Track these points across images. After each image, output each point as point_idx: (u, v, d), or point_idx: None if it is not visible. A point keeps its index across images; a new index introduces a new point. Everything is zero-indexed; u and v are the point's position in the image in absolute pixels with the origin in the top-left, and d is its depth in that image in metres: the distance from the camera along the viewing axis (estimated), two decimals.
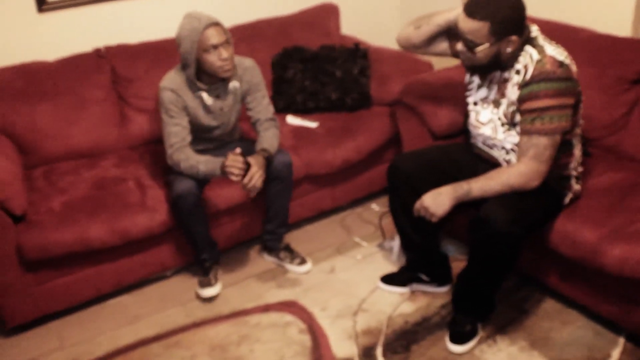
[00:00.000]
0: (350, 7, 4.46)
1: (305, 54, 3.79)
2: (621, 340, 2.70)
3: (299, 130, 3.58)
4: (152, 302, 3.14)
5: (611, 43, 3.14)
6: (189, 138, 2.96)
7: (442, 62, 3.98)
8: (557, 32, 3.31)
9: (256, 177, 2.80)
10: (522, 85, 2.47)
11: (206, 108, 3.01)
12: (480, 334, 2.79)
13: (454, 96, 3.23)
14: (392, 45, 4.65)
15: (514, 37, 2.44)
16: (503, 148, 2.67)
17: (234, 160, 2.79)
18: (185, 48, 2.85)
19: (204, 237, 3.09)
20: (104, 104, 3.47)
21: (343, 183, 3.64)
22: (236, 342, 2.84)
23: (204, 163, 2.87)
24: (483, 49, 2.45)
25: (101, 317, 3.06)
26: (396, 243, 3.34)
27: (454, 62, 4.10)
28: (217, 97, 3.02)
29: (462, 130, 3.00)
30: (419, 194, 2.62)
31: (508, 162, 2.67)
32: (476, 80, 2.75)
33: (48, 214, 2.89)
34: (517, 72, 2.51)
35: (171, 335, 2.91)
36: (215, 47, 2.83)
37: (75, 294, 3.03)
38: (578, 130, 2.62)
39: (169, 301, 3.13)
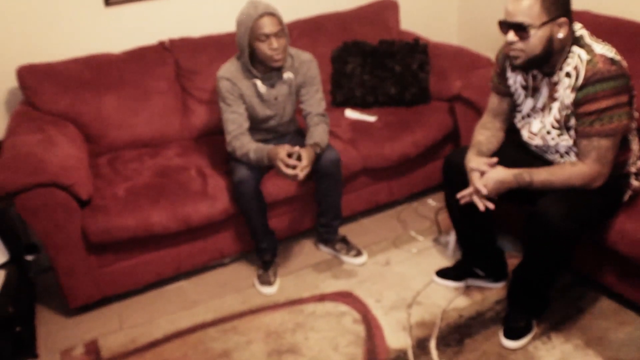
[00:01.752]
0: (410, 3, 4.46)
1: (365, 49, 3.82)
2: None
3: (357, 124, 3.60)
4: (210, 288, 3.21)
5: None
6: (246, 125, 3.02)
7: None
8: (620, 28, 3.28)
9: (304, 172, 2.85)
10: (577, 89, 2.38)
11: (260, 96, 3.06)
12: (535, 330, 2.78)
13: None
14: (451, 40, 4.66)
15: (564, 19, 2.34)
16: (557, 152, 2.62)
17: (283, 159, 2.83)
18: (240, 33, 2.91)
19: (263, 225, 3.14)
20: (167, 95, 3.56)
21: (400, 177, 3.65)
22: (291, 329, 2.88)
23: (254, 151, 2.93)
24: (536, 31, 2.35)
25: (160, 301, 3.14)
26: (452, 238, 3.34)
27: None
28: (271, 86, 3.06)
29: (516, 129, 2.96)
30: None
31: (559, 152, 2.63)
32: (522, 93, 2.68)
33: (112, 200, 2.98)
34: (568, 74, 2.42)
35: (228, 320, 2.97)
36: (267, 36, 2.87)
37: (136, 278, 3.11)
38: (634, 125, 2.56)
39: (227, 288, 3.20)
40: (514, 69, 2.62)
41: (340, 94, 3.82)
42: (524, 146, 2.76)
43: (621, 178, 2.62)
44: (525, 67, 2.51)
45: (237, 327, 2.92)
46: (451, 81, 3.62)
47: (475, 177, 2.58)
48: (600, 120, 2.35)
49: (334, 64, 3.85)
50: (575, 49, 2.41)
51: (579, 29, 2.46)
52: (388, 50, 3.79)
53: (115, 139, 3.44)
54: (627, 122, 2.40)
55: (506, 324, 2.78)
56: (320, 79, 3.20)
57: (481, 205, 2.55)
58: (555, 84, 2.49)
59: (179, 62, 3.59)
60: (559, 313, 2.86)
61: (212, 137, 3.58)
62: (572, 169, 2.47)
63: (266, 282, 3.15)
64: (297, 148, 2.90)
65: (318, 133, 3.07)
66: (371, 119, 3.65)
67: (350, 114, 3.73)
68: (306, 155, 2.88)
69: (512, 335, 2.74)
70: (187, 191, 3.05)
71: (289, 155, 2.87)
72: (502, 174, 2.52)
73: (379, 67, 3.77)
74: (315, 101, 3.15)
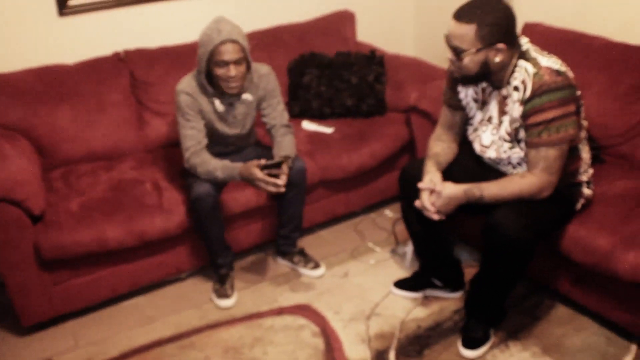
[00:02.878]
0: (367, 14, 4.48)
1: (322, 60, 3.82)
2: (633, 347, 2.71)
3: (314, 136, 3.61)
4: (167, 303, 3.17)
5: (625, 51, 3.14)
6: (205, 141, 2.99)
7: None
8: (572, 40, 3.34)
9: (282, 186, 2.85)
10: (524, 102, 2.44)
11: (218, 114, 3.04)
12: (493, 339, 2.80)
13: None
14: (408, 51, 4.70)
15: (501, 45, 2.40)
16: (510, 163, 2.66)
17: (263, 179, 2.81)
18: (200, 53, 2.88)
19: (220, 241, 3.12)
20: (123, 107, 3.51)
21: (357, 188, 3.66)
22: (250, 344, 2.86)
23: (222, 169, 2.90)
24: (470, 55, 2.42)
25: (116, 317, 3.09)
26: (409, 249, 3.36)
27: None
28: (229, 105, 3.05)
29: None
30: None
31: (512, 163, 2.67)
32: (473, 106, 2.72)
33: (66, 215, 2.92)
34: (516, 88, 2.47)
35: (185, 336, 2.93)
36: (226, 63, 2.84)
37: (91, 295, 3.06)
38: (583, 134, 2.62)
39: (184, 303, 3.16)
40: (456, 81, 2.67)
41: (297, 105, 3.82)
42: (478, 157, 2.79)
43: (573, 187, 2.66)
44: (463, 83, 2.59)
45: (195, 343, 2.89)
46: (407, 92, 3.64)
47: (424, 196, 2.60)
48: (548, 130, 2.40)
49: (291, 76, 3.85)
50: (522, 62, 2.47)
51: (525, 43, 2.52)
52: (345, 62, 3.80)
53: (69, 152, 3.38)
54: (574, 132, 2.45)
55: (464, 334, 2.80)
56: (280, 90, 3.19)
57: (435, 215, 2.57)
58: (505, 97, 2.53)
59: (134, 74, 3.55)
60: (516, 321, 2.89)
61: (168, 150, 3.54)
62: (521, 181, 2.50)
63: (223, 295, 3.12)
64: (263, 160, 2.87)
65: (287, 144, 3.07)
66: (328, 130, 3.65)
67: (307, 125, 3.72)
68: (285, 174, 2.88)
69: (470, 345, 2.76)
70: (143, 205, 3.01)
71: (264, 168, 2.84)
72: (451, 190, 2.54)
73: (336, 78, 3.77)
74: (278, 113, 3.14)
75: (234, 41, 2.83)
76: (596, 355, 2.68)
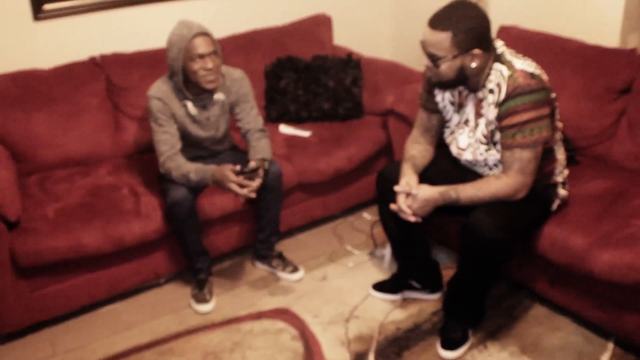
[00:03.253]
0: (343, 18, 4.49)
1: (299, 64, 3.83)
2: (610, 346, 2.73)
3: (291, 140, 3.61)
4: (145, 309, 3.15)
5: (600, 53, 3.18)
6: (179, 145, 2.98)
7: None
8: (547, 43, 3.37)
9: (255, 190, 2.86)
10: (499, 104, 2.46)
11: (191, 117, 3.03)
12: (471, 340, 2.82)
13: None
14: (385, 54, 4.71)
15: (477, 51, 2.42)
16: (486, 165, 2.68)
17: (236, 181, 2.81)
18: (172, 54, 2.88)
19: (197, 246, 3.11)
20: (99, 112, 3.49)
21: (335, 192, 3.67)
22: (229, 349, 2.85)
23: (195, 172, 2.89)
24: (446, 62, 2.44)
25: (94, 324, 3.07)
26: (387, 251, 3.36)
27: None
28: (202, 107, 3.04)
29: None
30: None
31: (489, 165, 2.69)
32: (450, 109, 2.74)
33: (42, 221, 2.90)
34: (491, 91, 2.50)
35: (164, 342, 2.92)
36: (202, 56, 2.85)
37: (68, 301, 3.03)
38: (558, 136, 2.65)
39: (162, 309, 3.14)
40: (432, 86, 2.68)
41: (274, 109, 3.82)
42: (455, 159, 2.81)
43: (549, 188, 2.69)
44: (440, 87, 2.61)
45: (174, 348, 2.87)
46: (384, 96, 3.66)
47: (400, 199, 2.61)
48: (522, 132, 2.43)
49: (268, 80, 3.85)
50: (497, 65, 2.49)
51: (500, 47, 2.54)
52: (321, 66, 3.81)
53: (45, 158, 3.36)
54: (548, 134, 2.48)
55: (443, 335, 2.81)
56: (254, 94, 3.19)
57: (411, 217, 2.58)
58: (481, 100, 2.55)
59: (110, 78, 3.53)
60: (494, 322, 2.91)
61: (145, 155, 3.53)
62: (497, 182, 2.52)
63: (202, 300, 3.11)
64: (238, 166, 2.87)
65: (262, 148, 3.07)
66: (305, 134, 3.66)
67: (285, 129, 3.73)
68: (260, 170, 2.89)
69: (449, 346, 2.77)
70: (120, 211, 3.00)
71: (240, 174, 2.84)
72: (427, 193, 2.56)
73: (313, 82, 3.78)
74: (252, 117, 3.14)
75: (206, 34, 2.87)
76: (574, 354, 2.71)
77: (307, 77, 3.80)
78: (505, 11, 3.83)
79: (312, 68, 3.81)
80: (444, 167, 2.82)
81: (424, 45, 2.48)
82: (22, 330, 2.99)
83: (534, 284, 2.93)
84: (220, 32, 3.88)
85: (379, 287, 3.15)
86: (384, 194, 2.81)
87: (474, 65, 2.45)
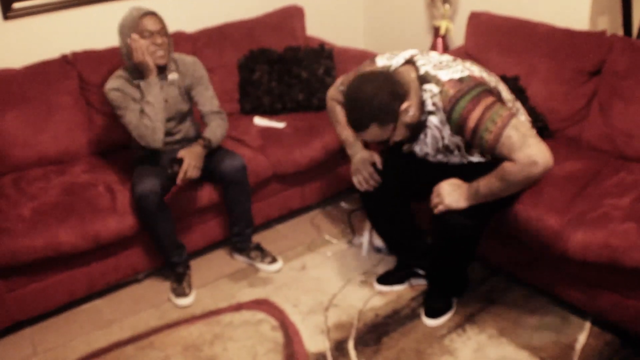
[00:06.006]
0: (315, 9, 4.49)
1: (271, 56, 3.83)
2: (587, 325, 2.78)
3: (266, 131, 3.61)
4: (125, 305, 3.15)
5: (569, 37, 3.21)
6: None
7: None
8: (517, 28, 3.41)
9: (189, 170, 2.92)
10: (446, 122, 2.42)
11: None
12: (454, 308, 2.90)
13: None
14: (358, 44, 4.73)
15: (404, 106, 2.39)
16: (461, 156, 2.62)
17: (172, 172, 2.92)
18: (123, 37, 2.96)
19: (170, 239, 3.11)
20: (72, 110, 3.47)
21: (312, 182, 3.68)
22: (209, 341, 2.86)
23: (151, 105, 2.97)
24: (392, 135, 2.46)
25: (74, 322, 3.06)
26: (365, 239, 3.38)
27: None
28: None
29: None
30: (395, 193, 2.76)
31: (469, 161, 2.62)
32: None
33: (18, 221, 2.88)
34: (431, 112, 2.45)
35: (145, 337, 2.92)
36: (152, 33, 2.93)
37: (47, 300, 3.02)
38: (513, 108, 2.58)
39: (142, 304, 3.14)
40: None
41: (248, 102, 3.82)
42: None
43: None
44: (405, 142, 2.65)
45: (154, 342, 2.88)
46: None
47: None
48: (486, 130, 2.33)
49: (241, 73, 3.85)
50: (426, 86, 2.42)
51: (422, 66, 2.46)
52: (294, 57, 3.81)
53: (19, 158, 3.33)
54: (508, 112, 2.36)
55: (427, 304, 2.89)
56: (209, 78, 3.23)
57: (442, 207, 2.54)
58: (428, 127, 2.51)
59: (82, 76, 3.51)
60: (473, 305, 2.94)
61: (120, 151, 3.52)
62: (507, 165, 2.37)
63: (181, 293, 3.11)
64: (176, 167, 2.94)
65: (210, 128, 3.12)
66: (280, 125, 3.66)
67: (259, 121, 3.73)
68: (187, 153, 2.95)
69: (432, 314, 2.85)
70: (96, 208, 2.99)
71: (173, 162, 2.93)
72: (458, 194, 2.52)
73: (286, 74, 3.78)
74: (207, 99, 3.18)
75: (153, 13, 2.97)
76: (551, 335, 2.74)
77: (280, 68, 3.80)
78: None
79: (285, 59, 3.81)
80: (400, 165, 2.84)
81: (365, 140, 2.58)
82: (2, 331, 2.98)
83: (511, 267, 2.96)
84: (192, 26, 3.88)
85: (383, 279, 3.14)
86: (369, 193, 2.86)
87: (411, 114, 2.42)
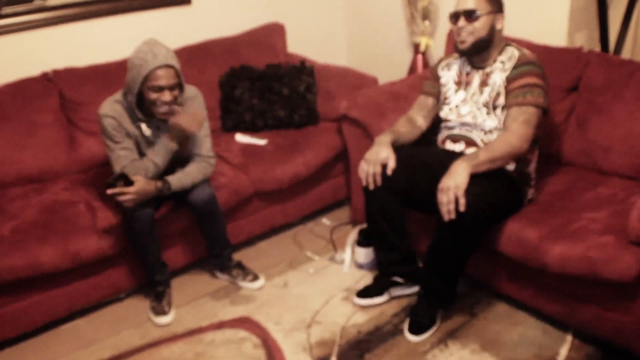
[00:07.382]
0: (296, 26, 4.51)
1: (253, 73, 3.83)
2: (569, 338, 2.79)
3: (247, 148, 3.61)
4: (106, 324, 3.12)
5: (547, 53, 3.23)
6: (138, 158, 2.96)
7: (386, 77, 4.06)
8: None
9: (125, 198, 2.79)
10: (510, 69, 2.81)
11: (146, 139, 3.00)
12: (438, 324, 2.90)
13: (397, 109, 3.30)
14: (341, 61, 4.75)
15: (502, 15, 2.84)
16: (482, 130, 2.87)
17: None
18: (132, 76, 2.82)
19: (157, 258, 3.10)
20: (53, 128, 3.45)
21: (293, 199, 3.68)
22: None
23: (155, 154, 2.92)
24: (482, 17, 2.77)
25: (55, 342, 3.03)
26: (347, 255, 3.39)
27: (400, 76, 4.20)
28: (157, 128, 3.00)
29: (417, 142, 3.14)
30: (398, 194, 2.84)
31: (486, 143, 2.84)
32: (452, 87, 3.00)
33: None
34: (502, 62, 2.86)
35: (126, 356, 2.89)
36: (161, 88, 2.81)
37: (27, 320, 2.98)
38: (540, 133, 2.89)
39: (124, 323, 3.12)
40: (462, 54, 2.94)
41: (230, 119, 3.82)
42: (434, 148, 3.06)
43: (525, 176, 2.83)
44: (471, 51, 2.86)
45: None
46: (337, 102, 3.66)
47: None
48: (532, 93, 2.75)
49: (223, 90, 3.85)
50: (509, 47, 2.91)
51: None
52: (275, 74, 3.82)
53: None
54: (546, 104, 2.80)
55: (412, 318, 2.90)
56: (206, 113, 3.14)
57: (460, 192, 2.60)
58: (489, 73, 2.90)
59: (63, 93, 3.50)
60: (455, 320, 2.95)
61: (101, 169, 3.50)
62: (505, 133, 2.76)
63: (160, 312, 3.09)
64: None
65: (183, 172, 3.00)
66: (261, 142, 3.67)
67: (241, 138, 3.73)
68: (138, 186, 2.81)
69: (416, 330, 2.86)
70: (76, 227, 2.97)
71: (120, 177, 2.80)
72: (458, 172, 2.62)
73: (267, 90, 3.80)
74: (197, 141, 3.06)
75: (170, 66, 2.80)
76: (533, 348, 2.75)
77: (261, 85, 3.81)
78: None
79: (266, 76, 3.82)
80: (423, 158, 2.95)
81: (459, 6, 2.81)
82: None
83: (494, 281, 2.98)
84: (173, 43, 3.86)
85: (363, 293, 3.13)
86: (372, 191, 2.90)
87: (499, 27, 2.85)
